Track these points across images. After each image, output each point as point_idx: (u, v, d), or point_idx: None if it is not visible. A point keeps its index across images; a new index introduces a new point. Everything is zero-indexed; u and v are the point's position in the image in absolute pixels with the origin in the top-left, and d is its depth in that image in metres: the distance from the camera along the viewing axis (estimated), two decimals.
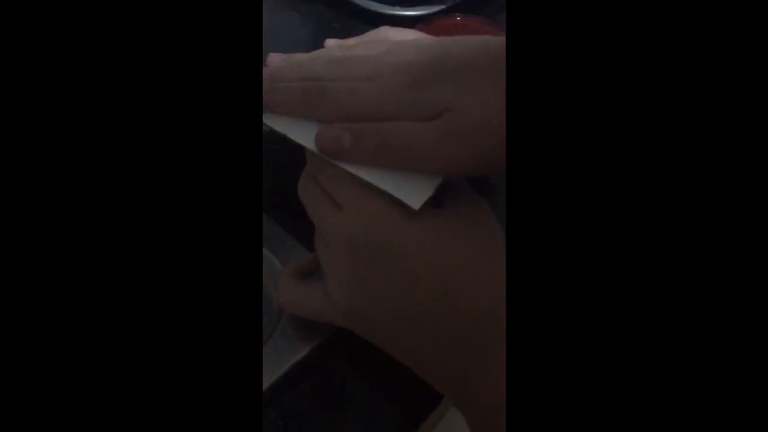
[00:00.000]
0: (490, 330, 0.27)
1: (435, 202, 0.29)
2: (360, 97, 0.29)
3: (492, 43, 0.29)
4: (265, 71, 0.32)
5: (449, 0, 0.52)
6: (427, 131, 0.28)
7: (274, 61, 0.33)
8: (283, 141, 0.31)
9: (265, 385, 0.31)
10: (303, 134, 0.31)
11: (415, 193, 0.28)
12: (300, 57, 0.32)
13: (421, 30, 0.37)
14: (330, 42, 0.35)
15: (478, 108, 0.27)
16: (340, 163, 0.29)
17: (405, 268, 0.27)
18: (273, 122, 0.32)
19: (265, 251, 0.36)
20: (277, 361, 0.32)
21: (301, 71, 0.31)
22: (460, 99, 0.27)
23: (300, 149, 0.31)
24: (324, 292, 0.30)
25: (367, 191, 0.29)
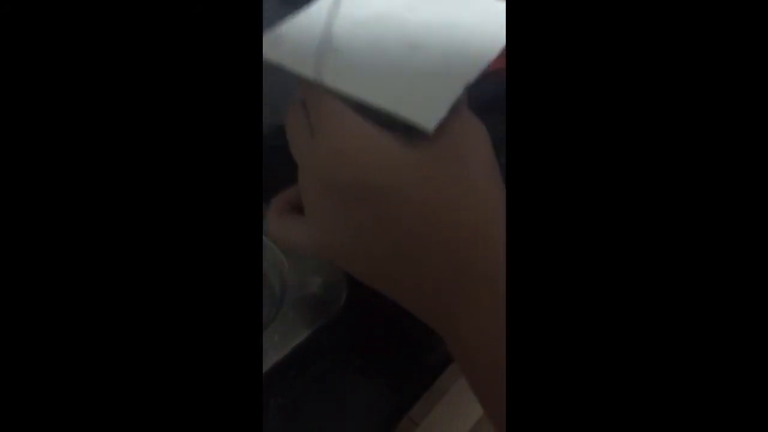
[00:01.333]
0: (474, 270, 0.25)
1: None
2: None
3: None
4: None
5: None
6: None
7: None
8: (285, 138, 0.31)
9: (267, 368, 0.32)
10: (299, 61, 0.28)
11: (427, 114, 0.25)
12: None
13: None
14: None
15: None
16: (340, 86, 0.27)
17: (382, 204, 0.25)
18: (269, 52, 0.29)
19: (266, 240, 0.37)
20: (278, 345, 0.33)
21: None
22: None
23: None
24: (306, 225, 0.28)
25: (345, 112, 0.26)
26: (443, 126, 0.26)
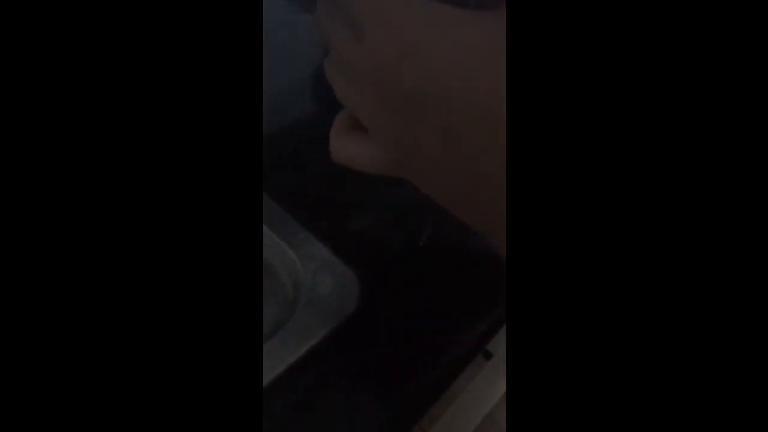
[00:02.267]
0: None
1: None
2: None
3: None
4: None
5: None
6: None
7: None
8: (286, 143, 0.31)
9: (281, 369, 0.32)
10: None
11: None
12: None
13: None
14: None
15: None
16: None
17: (456, 116, 0.21)
18: None
19: (278, 241, 0.37)
20: (292, 347, 0.33)
21: None
22: None
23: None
24: (372, 141, 0.26)
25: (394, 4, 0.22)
26: None
